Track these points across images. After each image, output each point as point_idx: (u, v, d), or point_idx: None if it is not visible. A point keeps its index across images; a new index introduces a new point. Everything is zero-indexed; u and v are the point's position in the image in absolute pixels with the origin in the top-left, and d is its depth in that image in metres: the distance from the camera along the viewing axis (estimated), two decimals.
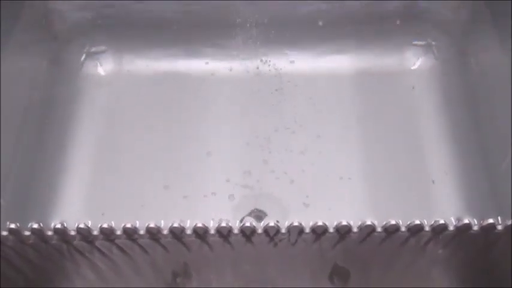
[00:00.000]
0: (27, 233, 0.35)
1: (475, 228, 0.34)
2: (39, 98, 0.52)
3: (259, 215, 0.48)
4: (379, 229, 0.35)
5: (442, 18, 0.55)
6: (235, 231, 0.35)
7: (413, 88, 0.55)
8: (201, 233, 0.35)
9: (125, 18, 0.56)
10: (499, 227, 0.34)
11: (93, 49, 0.57)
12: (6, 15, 0.48)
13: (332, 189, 0.49)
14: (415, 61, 0.57)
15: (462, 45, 0.55)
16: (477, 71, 0.52)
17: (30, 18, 0.52)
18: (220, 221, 0.35)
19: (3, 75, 0.46)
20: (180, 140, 0.53)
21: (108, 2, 0.55)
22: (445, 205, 0.48)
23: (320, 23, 0.56)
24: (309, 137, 0.52)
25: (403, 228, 0.35)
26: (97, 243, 0.36)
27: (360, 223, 0.35)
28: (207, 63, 0.57)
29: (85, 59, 0.57)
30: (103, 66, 0.57)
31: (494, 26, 0.50)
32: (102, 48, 0.57)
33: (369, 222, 0.34)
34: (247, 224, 0.35)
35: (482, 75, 0.51)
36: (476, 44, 0.53)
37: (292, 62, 0.57)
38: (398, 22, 0.56)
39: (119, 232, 0.35)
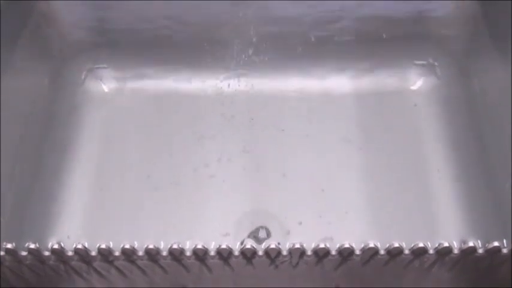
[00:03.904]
0: (24, 253, 0.34)
1: (480, 251, 0.34)
2: (39, 114, 0.52)
3: (260, 235, 0.47)
4: (382, 252, 0.34)
5: (442, 38, 0.55)
6: (236, 253, 0.34)
7: (415, 105, 0.55)
8: (201, 255, 0.35)
9: (126, 36, 0.56)
10: (505, 250, 0.34)
11: (95, 66, 0.57)
12: (8, 32, 0.48)
13: (333, 209, 0.49)
14: (417, 81, 0.57)
15: (463, 64, 0.54)
16: (479, 90, 0.52)
17: (32, 36, 0.52)
18: (221, 242, 0.34)
19: (4, 93, 0.46)
20: (180, 159, 0.52)
21: (109, 20, 0.55)
22: (448, 226, 0.47)
23: (320, 42, 0.56)
24: (309, 157, 0.52)
25: (406, 251, 0.34)
26: (95, 264, 0.35)
27: (362, 245, 0.34)
28: (206, 81, 0.57)
29: (86, 76, 0.57)
30: (104, 84, 0.57)
31: (494, 45, 0.50)
32: (104, 65, 0.57)
33: (371, 245, 0.34)
34: (248, 246, 0.34)
35: (484, 95, 0.51)
36: (478, 63, 0.53)
37: (291, 81, 0.57)
38: (398, 42, 0.56)
39: (117, 253, 0.34)
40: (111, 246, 0.34)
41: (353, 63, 0.57)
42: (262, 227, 0.48)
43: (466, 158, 0.51)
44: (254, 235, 0.47)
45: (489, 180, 0.48)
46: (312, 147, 0.53)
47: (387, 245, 0.34)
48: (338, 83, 0.57)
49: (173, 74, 0.58)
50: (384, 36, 0.55)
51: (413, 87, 0.56)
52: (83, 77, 0.57)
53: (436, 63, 0.56)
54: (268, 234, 0.47)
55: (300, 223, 0.48)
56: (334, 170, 0.51)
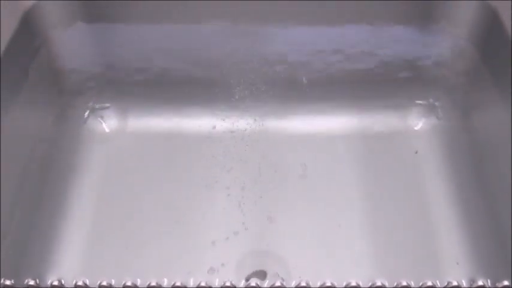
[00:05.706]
0: None
1: None
2: (42, 152, 0.52)
3: (263, 270, 0.46)
4: None
5: (444, 79, 0.56)
6: None
7: (416, 153, 0.55)
8: None
9: (128, 76, 0.56)
10: None
11: (97, 106, 0.57)
12: (14, 72, 0.48)
13: (337, 249, 0.48)
14: (418, 121, 0.57)
15: (464, 104, 0.55)
16: (480, 129, 0.52)
17: (36, 76, 0.52)
18: (225, 281, 0.34)
19: (7, 130, 0.46)
20: (179, 198, 0.52)
21: (112, 61, 0.56)
22: (453, 265, 0.46)
23: (322, 83, 0.57)
24: (311, 198, 0.51)
25: None
26: None
27: (370, 284, 0.33)
28: (208, 122, 0.58)
29: (89, 115, 0.57)
30: (106, 123, 0.58)
31: (494, 85, 0.50)
32: (105, 105, 0.58)
33: (379, 283, 0.33)
34: (253, 284, 0.33)
35: (485, 133, 0.51)
36: (478, 103, 0.53)
37: (292, 122, 0.57)
38: (400, 83, 0.56)
39: None
40: (113, 283, 0.33)
41: (355, 103, 0.57)
42: (263, 271, 0.47)
43: (470, 196, 0.50)
44: (257, 274, 0.46)
45: (493, 219, 0.48)
46: (314, 188, 0.52)
47: (395, 284, 0.33)
48: (339, 122, 0.57)
49: (175, 114, 0.58)
50: (386, 76, 0.56)
51: (415, 127, 0.57)
52: (85, 116, 0.57)
53: (436, 104, 0.56)
54: (270, 275, 0.46)
55: (305, 265, 0.47)
56: (334, 210, 0.51)
